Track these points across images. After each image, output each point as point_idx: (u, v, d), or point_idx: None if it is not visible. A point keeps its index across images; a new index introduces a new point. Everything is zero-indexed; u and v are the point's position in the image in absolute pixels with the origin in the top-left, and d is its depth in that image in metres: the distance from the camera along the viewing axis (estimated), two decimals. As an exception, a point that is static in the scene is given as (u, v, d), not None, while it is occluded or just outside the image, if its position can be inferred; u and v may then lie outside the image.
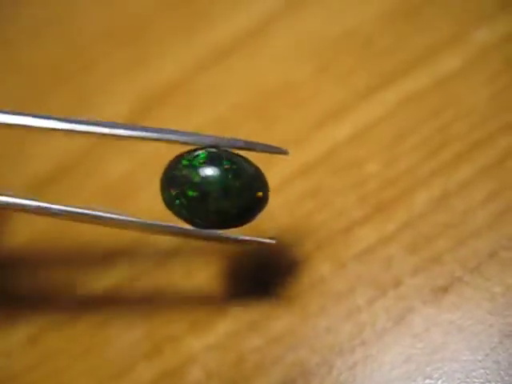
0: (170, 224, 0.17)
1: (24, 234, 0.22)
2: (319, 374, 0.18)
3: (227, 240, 0.18)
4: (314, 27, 0.23)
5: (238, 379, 0.18)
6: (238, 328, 0.19)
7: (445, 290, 0.18)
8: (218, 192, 0.16)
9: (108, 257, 0.21)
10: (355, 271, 0.19)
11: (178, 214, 0.17)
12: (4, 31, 0.26)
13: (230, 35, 0.23)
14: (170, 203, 0.17)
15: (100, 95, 0.24)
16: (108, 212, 0.17)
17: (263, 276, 0.19)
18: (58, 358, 0.20)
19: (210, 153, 0.17)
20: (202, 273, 0.20)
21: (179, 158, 0.17)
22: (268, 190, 0.17)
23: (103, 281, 0.21)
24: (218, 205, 0.16)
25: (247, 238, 0.17)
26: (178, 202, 0.17)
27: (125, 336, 0.19)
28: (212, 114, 0.22)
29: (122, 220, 0.17)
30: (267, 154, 0.18)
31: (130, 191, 0.22)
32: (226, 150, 0.17)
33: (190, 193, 0.17)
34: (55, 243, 0.22)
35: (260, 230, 0.20)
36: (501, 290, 0.18)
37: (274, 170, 0.20)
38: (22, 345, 0.20)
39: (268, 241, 0.18)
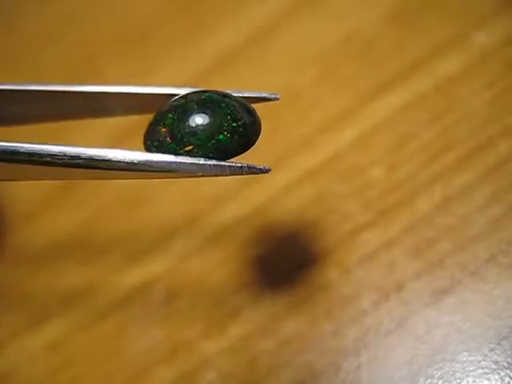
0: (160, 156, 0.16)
1: (45, 235, 0.23)
2: (326, 376, 0.19)
3: (219, 168, 0.16)
4: (315, 32, 0.23)
5: (251, 381, 0.19)
6: (250, 332, 0.20)
7: (445, 292, 0.19)
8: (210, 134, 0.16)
9: (125, 261, 0.22)
10: (360, 276, 0.20)
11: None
12: (7, 39, 0.27)
13: (233, 42, 0.24)
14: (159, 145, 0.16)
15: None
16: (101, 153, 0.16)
17: (272, 281, 0.20)
18: (79, 363, 0.21)
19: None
20: (213, 278, 0.21)
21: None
22: (258, 121, 0.17)
23: (122, 284, 0.22)
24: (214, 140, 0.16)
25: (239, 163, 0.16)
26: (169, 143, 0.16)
27: (142, 340, 0.20)
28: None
29: (114, 162, 0.16)
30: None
31: (142, 199, 0.23)
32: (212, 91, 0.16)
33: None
34: (75, 246, 0.23)
35: (266, 235, 0.21)
36: (499, 292, 0.18)
37: (278, 177, 0.21)
38: (43, 349, 0.21)
39: (261, 166, 0.16)
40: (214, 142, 0.16)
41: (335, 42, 0.23)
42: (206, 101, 0.16)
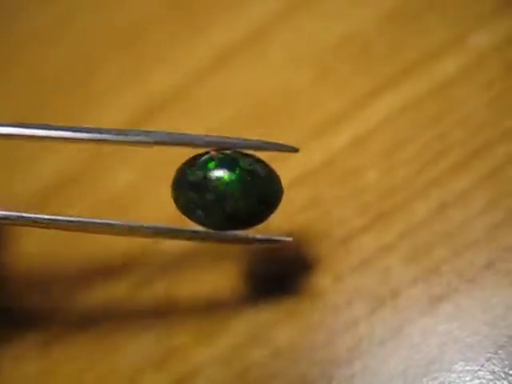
0: (183, 227, 0.17)
1: (34, 244, 0.23)
2: (319, 386, 0.18)
3: (243, 240, 0.17)
4: (312, 34, 0.23)
5: (242, 391, 0.19)
6: (241, 340, 0.19)
7: (442, 300, 0.18)
8: (235, 194, 0.17)
9: (115, 267, 0.22)
10: (354, 283, 0.19)
11: (193, 216, 0.17)
12: (7, 39, 0.26)
13: (229, 43, 0.23)
14: (185, 206, 0.17)
15: (98, 103, 0.24)
16: (119, 220, 0.17)
17: (263, 288, 0.20)
18: (68, 367, 0.20)
19: (223, 155, 0.17)
20: (205, 285, 0.20)
21: (191, 161, 0.17)
22: (282, 191, 0.18)
23: (113, 290, 0.21)
24: (235, 207, 0.17)
25: (263, 237, 0.18)
26: (193, 205, 0.17)
27: (132, 347, 0.20)
28: (211, 122, 0.22)
29: (135, 226, 0.17)
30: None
31: (135, 200, 0.22)
32: (238, 151, 0.17)
33: (208, 196, 0.17)
34: (63, 253, 0.22)
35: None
36: (496, 300, 0.18)
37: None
38: (33, 352, 0.21)
39: (285, 238, 0.18)
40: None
41: (332, 44, 0.22)
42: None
